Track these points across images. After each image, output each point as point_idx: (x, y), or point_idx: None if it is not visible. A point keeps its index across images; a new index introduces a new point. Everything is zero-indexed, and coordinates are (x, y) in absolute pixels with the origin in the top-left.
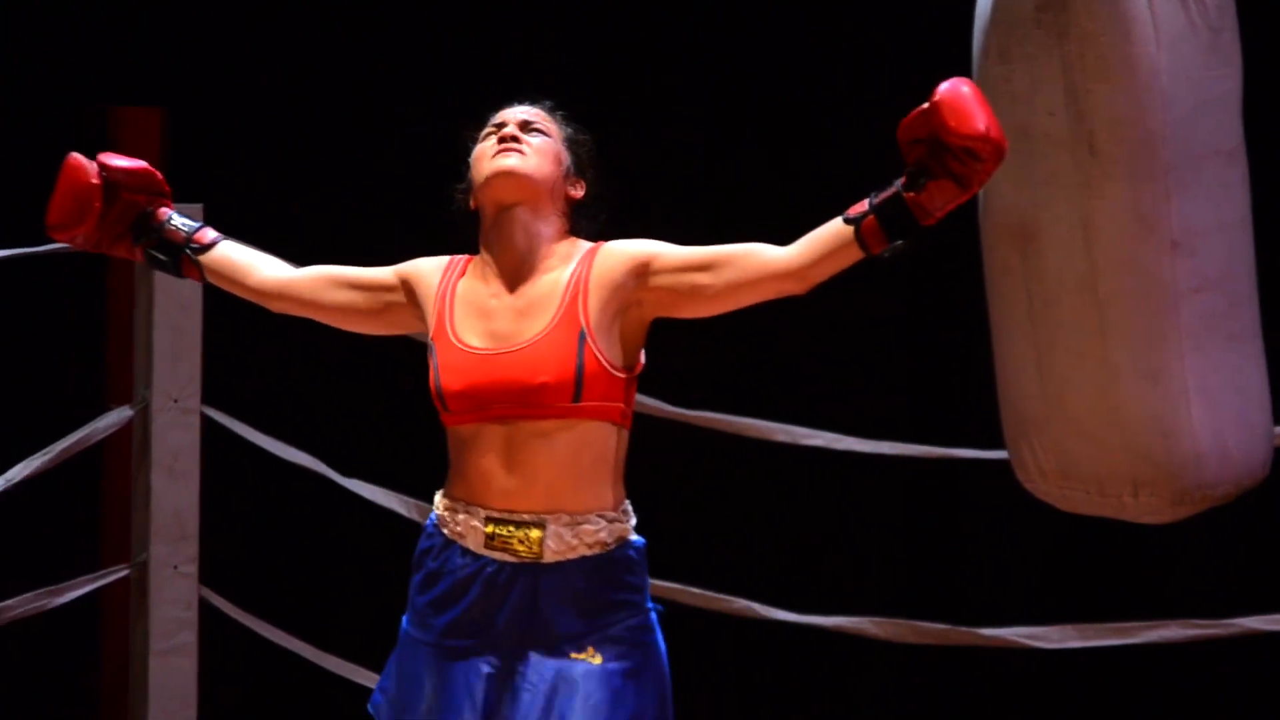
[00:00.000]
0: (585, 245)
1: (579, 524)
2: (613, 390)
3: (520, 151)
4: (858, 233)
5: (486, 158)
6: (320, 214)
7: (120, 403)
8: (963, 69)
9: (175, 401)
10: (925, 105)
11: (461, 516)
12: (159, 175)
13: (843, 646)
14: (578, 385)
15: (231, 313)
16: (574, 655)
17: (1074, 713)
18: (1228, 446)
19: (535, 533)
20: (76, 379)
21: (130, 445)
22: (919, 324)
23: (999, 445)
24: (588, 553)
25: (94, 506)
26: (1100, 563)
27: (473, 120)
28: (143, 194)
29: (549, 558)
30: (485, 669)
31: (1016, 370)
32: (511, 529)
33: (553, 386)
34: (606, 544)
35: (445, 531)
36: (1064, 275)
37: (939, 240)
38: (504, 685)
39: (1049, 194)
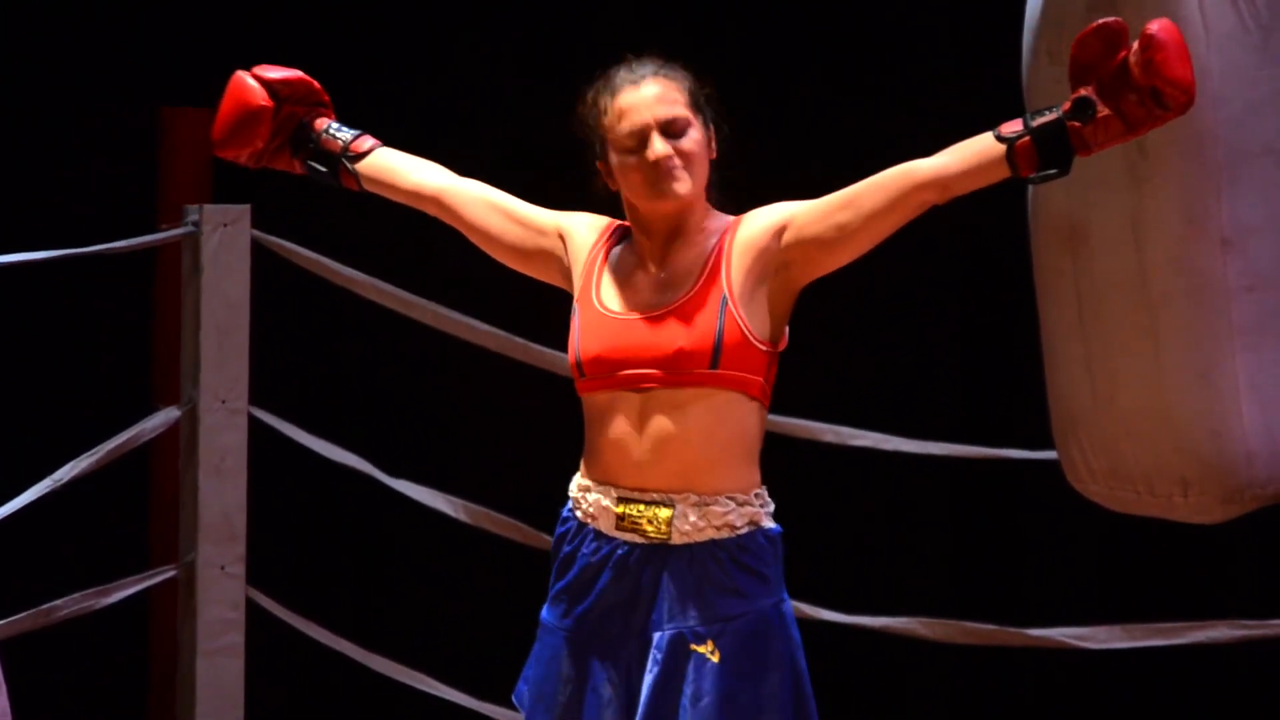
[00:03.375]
0: (728, 218)
1: (707, 505)
2: (753, 362)
3: (677, 177)
4: (1010, 153)
5: (643, 184)
6: (368, 214)
7: (168, 403)
8: (1012, 69)
9: (223, 402)
10: (1112, 26)
11: (594, 497)
12: (317, 85)
13: (891, 647)
14: (716, 351)
15: (279, 313)
16: (694, 647)
17: (1121, 713)
18: (1279, 445)
19: (664, 512)
20: (124, 379)
21: (178, 446)
22: (969, 324)
23: (1048, 445)
24: (716, 535)
25: (142, 507)
26: (1148, 563)
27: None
28: (301, 105)
29: (676, 540)
30: (622, 655)
31: (1066, 370)
32: (641, 508)
33: (690, 351)
34: (735, 528)
35: (578, 515)
36: (1115, 275)
37: (989, 241)
38: (638, 672)
39: (1100, 194)
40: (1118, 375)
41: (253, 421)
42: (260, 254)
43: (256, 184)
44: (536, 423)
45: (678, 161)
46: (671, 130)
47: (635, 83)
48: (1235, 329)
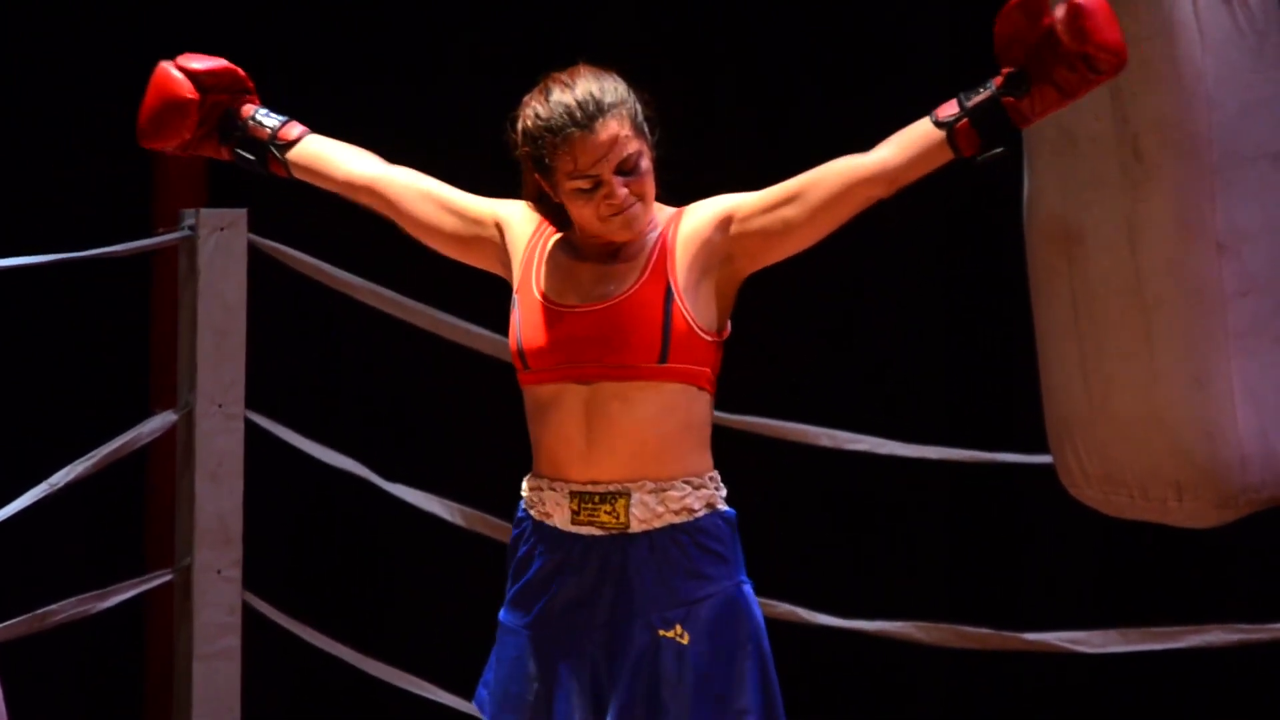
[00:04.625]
0: (668, 209)
1: (664, 490)
2: (700, 353)
3: (634, 215)
4: (950, 137)
5: (596, 219)
6: (365, 218)
7: (164, 407)
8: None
9: (219, 406)
10: None
11: (547, 495)
12: (241, 72)
13: (887, 651)
14: (665, 345)
15: (275, 317)
16: (663, 633)
17: (1117, 717)
18: (1274, 450)
19: (620, 502)
20: (120, 383)
21: (174, 450)
22: (963, 328)
23: (1043, 449)
24: (675, 520)
25: (138, 511)
26: (1144, 567)
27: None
28: (226, 93)
29: (636, 527)
30: (588, 649)
31: (1061, 374)
32: (596, 501)
33: (638, 345)
34: (694, 510)
35: (533, 514)
36: (1109, 278)
37: (985, 243)
38: (606, 665)
39: (1094, 197)
40: (1112, 379)
41: (249, 425)
42: (257, 258)
43: (253, 188)
44: None
45: (634, 199)
46: (626, 168)
47: (586, 126)
48: (1230, 333)
